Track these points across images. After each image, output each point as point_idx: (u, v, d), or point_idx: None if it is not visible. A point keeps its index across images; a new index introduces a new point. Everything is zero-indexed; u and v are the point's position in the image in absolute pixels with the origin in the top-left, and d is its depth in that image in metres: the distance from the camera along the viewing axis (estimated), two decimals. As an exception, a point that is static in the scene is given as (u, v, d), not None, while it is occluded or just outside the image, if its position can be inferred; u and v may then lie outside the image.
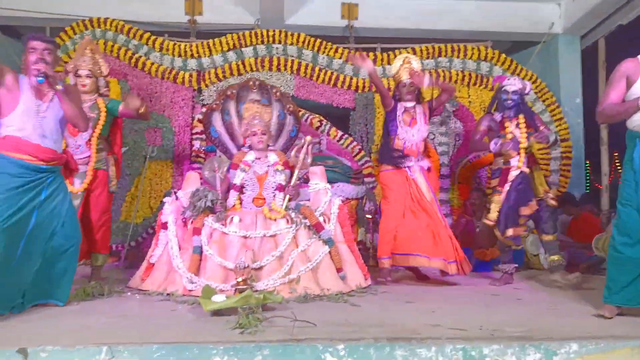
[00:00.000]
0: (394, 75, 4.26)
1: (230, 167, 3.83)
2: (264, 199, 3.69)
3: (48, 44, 2.73)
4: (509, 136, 3.92)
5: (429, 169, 4.19)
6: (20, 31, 6.15)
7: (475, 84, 5.73)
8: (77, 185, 3.60)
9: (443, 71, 5.70)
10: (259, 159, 3.79)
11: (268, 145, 3.86)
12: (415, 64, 4.18)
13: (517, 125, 3.96)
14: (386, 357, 2.00)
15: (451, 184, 5.65)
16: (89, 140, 3.67)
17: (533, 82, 5.78)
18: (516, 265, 4.04)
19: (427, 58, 5.72)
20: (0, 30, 5.86)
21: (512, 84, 4.02)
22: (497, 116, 4.07)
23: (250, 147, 3.82)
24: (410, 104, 4.16)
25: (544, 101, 5.81)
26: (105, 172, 3.74)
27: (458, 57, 5.73)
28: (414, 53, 5.65)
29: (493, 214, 3.88)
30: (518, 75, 5.73)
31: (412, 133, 4.10)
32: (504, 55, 5.80)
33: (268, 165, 3.77)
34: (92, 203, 3.64)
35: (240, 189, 3.72)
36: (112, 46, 5.45)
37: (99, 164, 3.71)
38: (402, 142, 4.08)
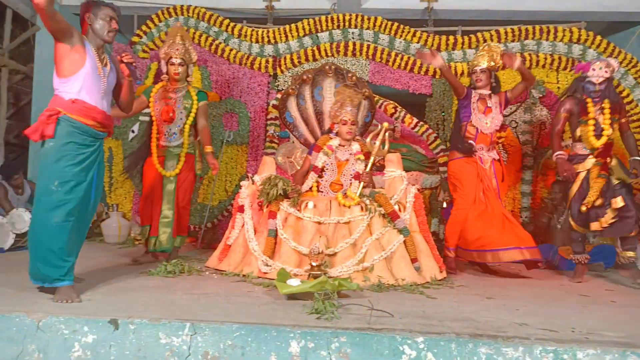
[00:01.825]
0: (471, 61, 4.17)
1: (313, 149, 3.84)
2: (342, 184, 3.70)
3: (117, 12, 2.70)
4: (591, 122, 3.65)
5: (498, 160, 4.11)
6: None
7: (565, 68, 5.31)
8: (169, 170, 3.75)
9: (530, 55, 5.33)
10: (343, 146, 3.82)
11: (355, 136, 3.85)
12: (496, 49, 4.07)
13: (602, 110, 3.65)
14: (468, 354, 1.91)
15: (534, 175, 5.31)
16: (182, 128, 3.79)
17: (633, 67, 5.27)
18: (587, 255, 3.79)
19: (513, 41, 5.38)
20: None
21: (599, 75, 3.66)
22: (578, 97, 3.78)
23: (337, 134, 3.81)
24: (485, 92, 4.08)
25: (644, 88, 5.27)
26: (192, 155, 3.86)
27: (547, 39, 5.33)
28: (498, 35, 5.36)
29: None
30: (616, 58, 5.27)
31: (485, 121, 4.01)
32: (599, 37, 5.31)
33: (350, 154, 3.79)
34: (178, 185, 3.77)
35: (320, 172, 3.72)
36: (194, 33, 5.63)
37: (189, 147, 3.82)
38: (474, 130, 4.01)
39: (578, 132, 3.72)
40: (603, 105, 3.65)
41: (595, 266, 4.32)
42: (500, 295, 2.97)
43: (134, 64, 2.78)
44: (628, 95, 5.25)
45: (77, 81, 2.50)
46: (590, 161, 3.65)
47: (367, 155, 3.80)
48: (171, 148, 3.77)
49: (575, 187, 3.69)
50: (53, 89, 2.55)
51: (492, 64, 4.05)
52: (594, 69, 3.70)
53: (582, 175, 3.67)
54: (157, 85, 3.89)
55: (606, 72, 3.67)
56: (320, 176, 3.76)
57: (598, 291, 3.31)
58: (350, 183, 3.70)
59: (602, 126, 3.62)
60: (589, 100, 3.69)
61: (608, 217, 3.55)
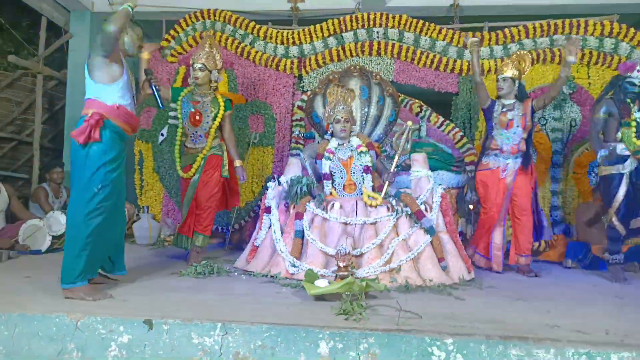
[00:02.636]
0: (499, 68, 4.15)
1: (316, 158, 3.82)
2: (355, 183, 3.68)
3: (143, 32, 3.00)
4: (633, 124, 3.69)
5: (526, 165, 4.02)
6: (139, 24, 6.67)
7: (596, 63, 5.17)
8: (191, 172, 3.88)
9: (559, 50, 5.21)
10: (342, 145, 3.78)
11: (351, 132, 3.83)
12: (524, 58, 4.12)
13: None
14: (499, 355, 1.90)
15: (565, 174, 5.19)
16: (208, 132, 3.92)
17: (668, 60, 5.10)
18: (622, 256, 3.80)
19: (541, 36, 5.27)
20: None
21: None
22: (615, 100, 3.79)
23: (332, 134, 3.81)
24: (509, 102, 4.05)
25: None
26: (219, 157, 3.94)
27: (577, 33, 5.20)
28: (526, 31, 5.27)
29: None
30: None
31: (507, 136, 3.99)
32: (632, 30, 5.14)
33: (351, 150, 3.75)
34: (201, 184, 3.86)
35: (332, 177, 3.73)
36: (220, 36, 5.71)
37: (213, 149, 3.93)
38: (499, 144, 4.02)
39: (620, 135, 3.75)
40: None
41: (630, 266, 4.21)
42: (531, 297, 2.92)
43: (158, 86, 2.98)
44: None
45: (117, 88, 2.61)
46: (631, 162, 3.70)
47: (370, 146, 3.78)
48: (197, 153, 3.91)
49: (622, 190, 3.69)
50: (87, 94, 2.62)
51: (516, 72, 4.03)
52: (639, 71, 3.72)
53: (626, 177, 3.71)
54: (185, 90, 4.06)
55: None
56: (332, 181, 3.74)
57: (633, 292, 3.23)
58: (364, 179, 3.68)
59: None
60: (629, 100, 3.74)
61: None
